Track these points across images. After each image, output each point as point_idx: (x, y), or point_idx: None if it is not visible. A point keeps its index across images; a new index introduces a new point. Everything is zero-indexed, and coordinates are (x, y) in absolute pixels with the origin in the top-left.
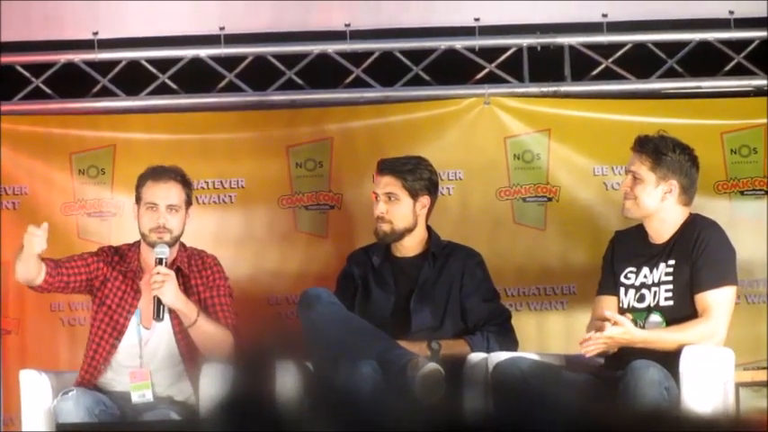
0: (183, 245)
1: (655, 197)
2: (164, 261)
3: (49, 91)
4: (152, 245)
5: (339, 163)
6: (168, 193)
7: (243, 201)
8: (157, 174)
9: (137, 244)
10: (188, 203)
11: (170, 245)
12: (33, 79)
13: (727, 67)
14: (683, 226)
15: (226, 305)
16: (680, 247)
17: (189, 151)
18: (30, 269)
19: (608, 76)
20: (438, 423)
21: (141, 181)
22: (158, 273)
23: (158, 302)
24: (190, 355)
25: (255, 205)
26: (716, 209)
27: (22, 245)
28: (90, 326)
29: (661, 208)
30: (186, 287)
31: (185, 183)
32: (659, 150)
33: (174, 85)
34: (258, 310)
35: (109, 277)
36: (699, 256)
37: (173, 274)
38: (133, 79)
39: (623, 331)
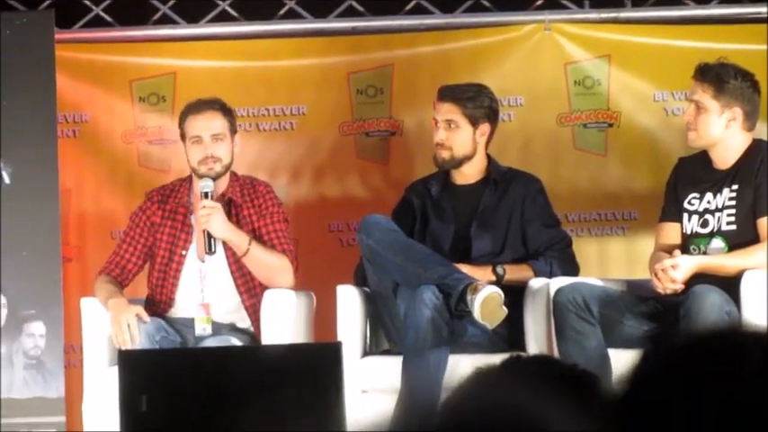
0: (234, 174)
1: (719, 125)
2: (209, 194)
3: (109, 18)
4: (203, 178)
5: (400, 89)
6: (211, 123)
7: (304, 128)
8: (196, 107)
9: (188, 178)
10: (233, 131)
11: (221, 174)
12: (93, 7)
13: None
14: (747, 151)
15: (280, 231)
16: (744, 172)
17: (249, 79)
18: None
19: (668, 1)
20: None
21: (182, 117)
22: (204, 207)
23: (208, 236)
24: (246, 286)
25: (316, 132)
26: None
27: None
28: (149, 267)
29: (725, 136)
30: (239, 218)
31: (226, 111)
32: (721, 78)
33: (234, 13)
34: (318, 237)
35: (159, 222)
36: (762, 181)
37: (218, 206)
38: (193, 6)
39: (683, 270)
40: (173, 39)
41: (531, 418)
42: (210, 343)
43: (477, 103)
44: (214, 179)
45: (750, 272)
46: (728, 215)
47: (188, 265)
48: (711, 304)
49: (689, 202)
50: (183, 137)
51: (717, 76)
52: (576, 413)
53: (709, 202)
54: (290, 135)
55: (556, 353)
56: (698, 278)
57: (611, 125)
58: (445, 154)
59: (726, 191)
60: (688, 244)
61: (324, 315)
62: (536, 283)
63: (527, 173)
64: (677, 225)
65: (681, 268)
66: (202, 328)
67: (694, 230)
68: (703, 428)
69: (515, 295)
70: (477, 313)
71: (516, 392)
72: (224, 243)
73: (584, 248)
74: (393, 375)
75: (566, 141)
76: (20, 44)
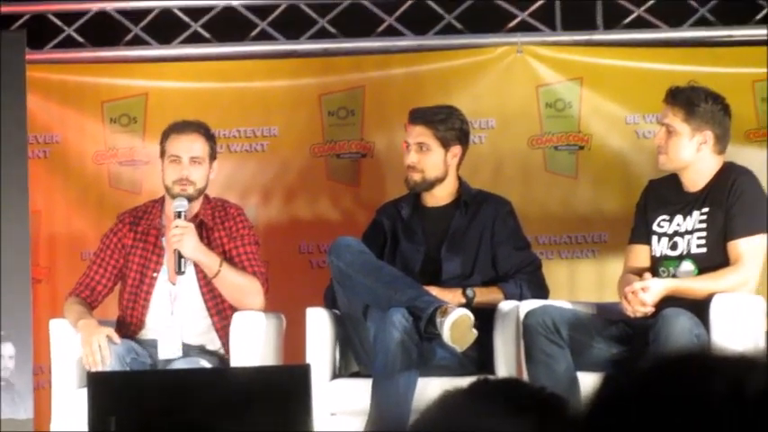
0: (207, 197)
1: (690, 149)
2: (182, 214)
3: (81, 39)
4: (175, 197)
5: (371, 111)
6: (191, 145)
7: (275, 149)
8: (181, 127)
9: (161, 200)
10: (212, 157)
11: (193, 197)
12: (65, 28)
13: (759, 16)
14: (717, 174)
15: (251, 253)
16: (714, 195)
17: (221, 100)
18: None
19: (640, 24)
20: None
21: (165, 135)
22: (176, 226)
23: (179, 256)
24: (216, 308)
25: (287, 154)
26: (747, 157)
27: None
28: (120, 289)
29: (696, 159)
30: (210, 240)
31: (209, 136)
32: (692, 101)
33: (206, 34)
34: (288, 259)
35: (131, 245)
36: (733, 204)
37: (191, 226)
38: (165, 28)
39: (653, 294)
40: (144, 60)
41: None
42: (179, 365)
43: (449, 125)
44: (187, 200)
45: (719, 295)
46: (699, 238)
47: (159, 288)
48: (681, 327)
49: (658, 225)
50: (162, 154)
51: (687, 99)
52: None
53: (678, 225)
54: (261, 156)
55: (525, 375)
56: (667, 301)
57: (581, 148)
58: (417, 176)
59: (696, 213)
60: (657, 266)
61: (293, 337)
62: (506, 305)
63: (497, 195)
64: (646, 247)
65: (651, 291)
66: (170, 350)
67: (663, 253)
68: None
69: (485, 318)
70: (446, 336)
71: (483, 416)
72: (195, 265)
73: (555, 271)
74: (362, 398)
75: (537, 164)
76: None
